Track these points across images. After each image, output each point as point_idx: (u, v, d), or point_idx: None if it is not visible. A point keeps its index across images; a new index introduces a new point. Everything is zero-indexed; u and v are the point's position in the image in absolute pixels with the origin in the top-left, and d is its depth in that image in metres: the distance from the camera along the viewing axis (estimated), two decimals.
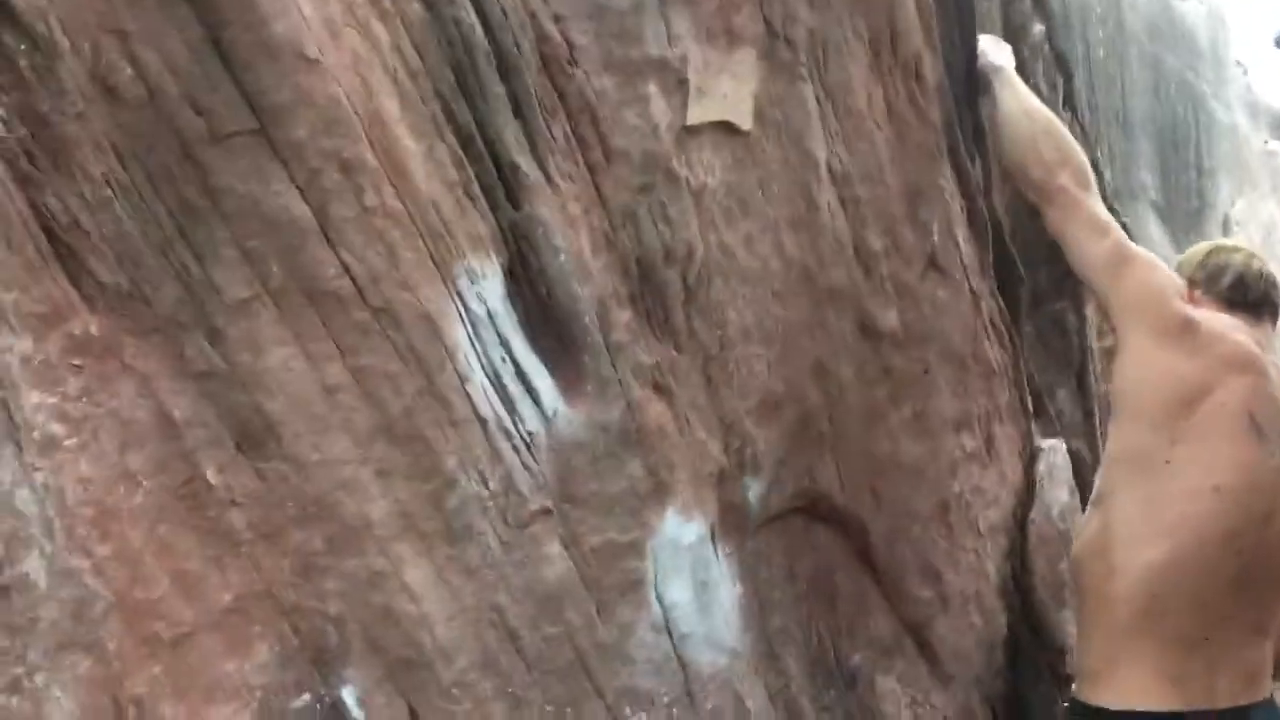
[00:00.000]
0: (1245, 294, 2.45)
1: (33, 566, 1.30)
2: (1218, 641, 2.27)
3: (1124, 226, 3.39)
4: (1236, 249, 2.60)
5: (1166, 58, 5.38)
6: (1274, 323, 2.54)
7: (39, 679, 1.30)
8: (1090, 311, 3.43)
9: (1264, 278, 2.49)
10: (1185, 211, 5.69)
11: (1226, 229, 5.95)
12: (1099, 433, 3.31)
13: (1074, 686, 2.39)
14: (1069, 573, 2.66)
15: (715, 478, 1.96)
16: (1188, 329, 2.32)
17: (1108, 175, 4.21)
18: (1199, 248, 2.66)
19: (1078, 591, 2.46)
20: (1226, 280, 2.46)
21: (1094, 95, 4.23)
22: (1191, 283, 2.46)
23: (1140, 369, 2.35)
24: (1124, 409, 2.39)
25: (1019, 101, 2.61)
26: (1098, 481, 2.43)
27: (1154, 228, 5.30)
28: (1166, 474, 2.28)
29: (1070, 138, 2.61)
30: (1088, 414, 3.46)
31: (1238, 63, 6.40)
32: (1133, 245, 2.54)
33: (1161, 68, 5.30)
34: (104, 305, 1.40)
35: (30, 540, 1.30)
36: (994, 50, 2.78)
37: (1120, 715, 2.24)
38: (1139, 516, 2.30)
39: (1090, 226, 2.50)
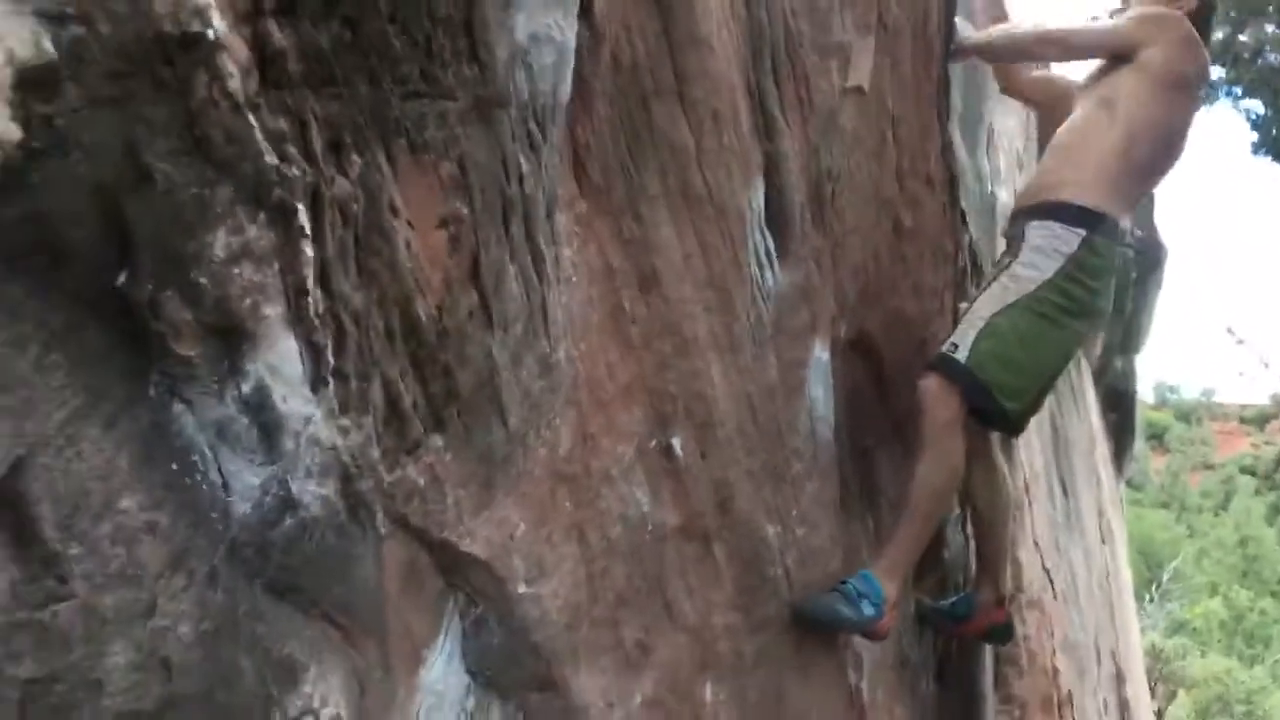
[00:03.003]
0: None
1: (561, 355, 1.89)
2: None
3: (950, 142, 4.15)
4: None
5: None
6: None
7: (556, 421, 1.91)
8: None
9: None
10: (969, 121, 6.63)
11: (991, 137, 6.95)
12: None
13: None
14: None
15: (831, 321, 2.66)
16: None
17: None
18: None
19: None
20: None
21: None
22: None
23: None
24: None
25: (991, 34, 3.36)
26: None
27: (955, 133, 6.22)
28: None
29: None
30: None
31: None
32: None
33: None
34: (588, 193, 1.95)
35: (559, 339, 1.88)
36: (965, 27, 3.49)
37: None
38: None
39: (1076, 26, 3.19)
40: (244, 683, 1.37)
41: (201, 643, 1.32)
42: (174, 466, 1.33)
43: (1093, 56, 3.14)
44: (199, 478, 1.35)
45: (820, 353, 2.55)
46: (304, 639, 1.47)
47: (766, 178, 2.30)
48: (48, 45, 1.12)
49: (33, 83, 1.12)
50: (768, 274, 2.31)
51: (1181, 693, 17.16)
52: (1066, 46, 3.18)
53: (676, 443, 2.17)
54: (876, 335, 2.97)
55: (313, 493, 1.45)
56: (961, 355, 2.82)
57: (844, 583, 2.58)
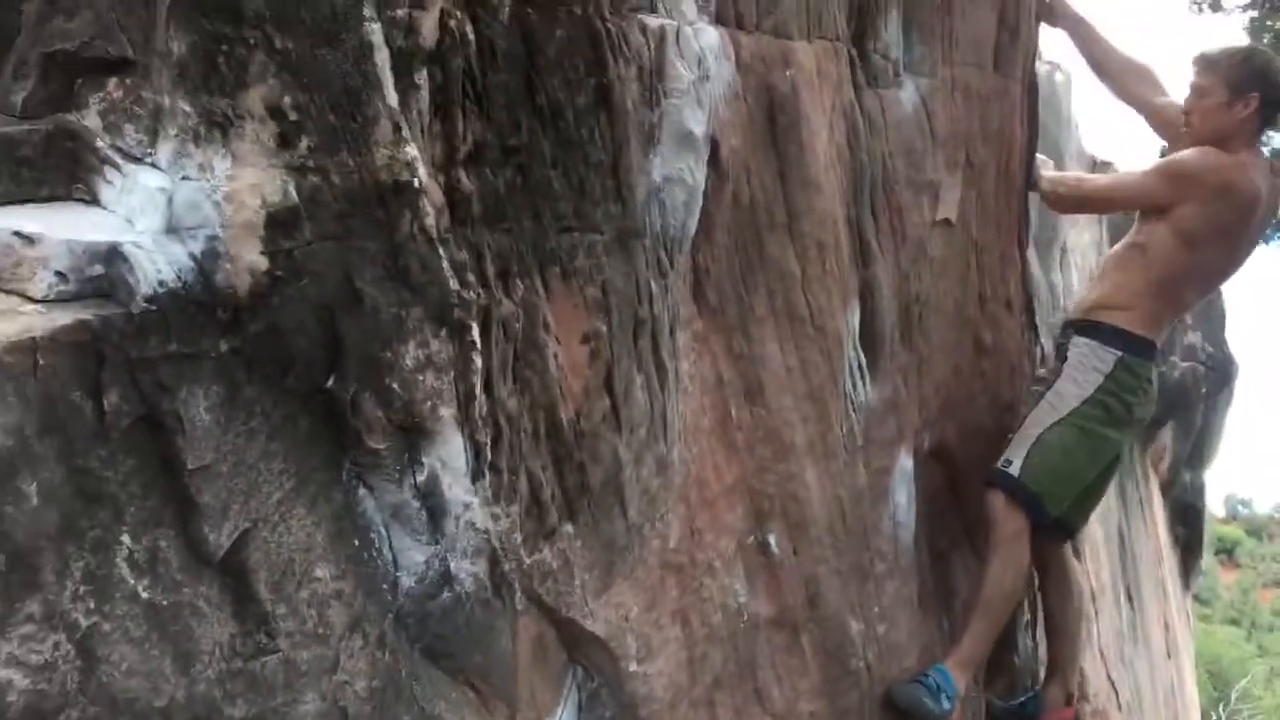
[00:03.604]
0: None
1: (676, 456, 2.05)
2: None
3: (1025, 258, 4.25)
4: None
5: (1049, 123, 6.37)
6: None
7: (669, 516, 2.06)
8: None
9: None
10: (1044, 241, 6.76)
11: (1064, 253, 7.07)
12: None
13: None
14: None
15: (915, 432, 2.80)
16: None
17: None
18: None
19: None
20: None
21: None
22: None
23: None
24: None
25: (1055, 183, 3.50)
26: None
27: (1031, 253, 6.34)
28: None
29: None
30: None
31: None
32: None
33: (1046, 132, 6.29)
34: (705, 314, 2.13)
35: (675, 442, 2.05)
36: (1045, 164, 3.66)
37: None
38: None
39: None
40: None
41: (372, 698, 1.48)
42: (356, 542, 1.51)
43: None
44: (375, 553, 1.53)
45: (904, 461, 2.68)
46: (451, 701, 1.62)
47: (862, 300, 2.46)
48: (293, 193, 1.34)
49: (279, 222, 1.33)
50: (860, 388, 2.46)
51: None
52: (1107, 205, 3.42)
53: (772, 539, 2.31)
54: (954, 445, 3.08)
55: (467, 570, 1.62)
56: (1015, 470, 2.97)
57: (925, 675, 2.67)
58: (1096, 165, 8.24)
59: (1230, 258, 3.18)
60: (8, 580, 1.07)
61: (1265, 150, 3.51)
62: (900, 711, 2.61)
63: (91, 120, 1.28)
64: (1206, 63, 3.06)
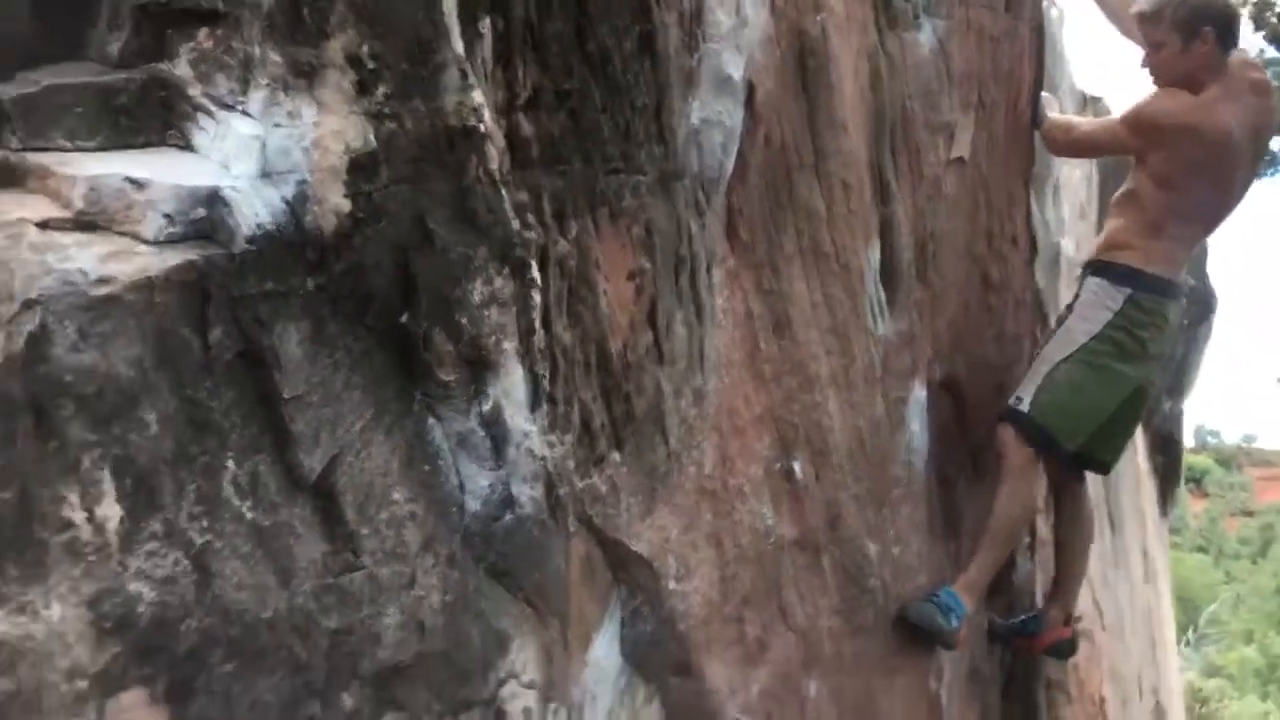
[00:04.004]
0: None
1: (710, 387, 2.13)
2: None
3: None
4: None
5: (1046, 59, 6.39)
6: None
7: (704, 444, 2.14)
8: None
9: None
10: (1039, 177, 6.82)
11: (1056, 190, 7.14)
12: None
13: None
14: None
15: (927, 364, 2.88)
16: None
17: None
18: None
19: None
20: None
21: None
22: None
23: None
24: None
25: (1052, 125, 3.52)
26: None
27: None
28: None
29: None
30: None
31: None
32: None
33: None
34: (737, 251, 2.19)
35: (710, 374, 2.13)
36: (1050, 103, 3.70)
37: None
38: None
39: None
40: (471, 646, 1.62)
41: (444, 611, 1.57)
42: (427, 468, 1.58)
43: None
44: (443, 479, 1.61)
45: (919, 392, 2.77)
46: (512, 615, 1.71)
47: (881, 238, 2.53)
48: (371, 138, 1.40)
49: (360, 167, 1.39)
50: (879, 322, 2.53)
51: None
52: (1092, 151, 3.72)
53: (797, 466, 2.40)
54: (962, 377, 3.17)
55: (526, 494, 1.70)
56: (1025, 407, 3.05)
57: (936, 595, 2.79)
58: (1087, 101, 8.25)
59: (1221, 192, 3.18)
60: (134, 501, 1.15)
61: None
62: (913, 627, 2.73)
63: (182, 69, 1.32)
64: (1152, 16, 3.05)
